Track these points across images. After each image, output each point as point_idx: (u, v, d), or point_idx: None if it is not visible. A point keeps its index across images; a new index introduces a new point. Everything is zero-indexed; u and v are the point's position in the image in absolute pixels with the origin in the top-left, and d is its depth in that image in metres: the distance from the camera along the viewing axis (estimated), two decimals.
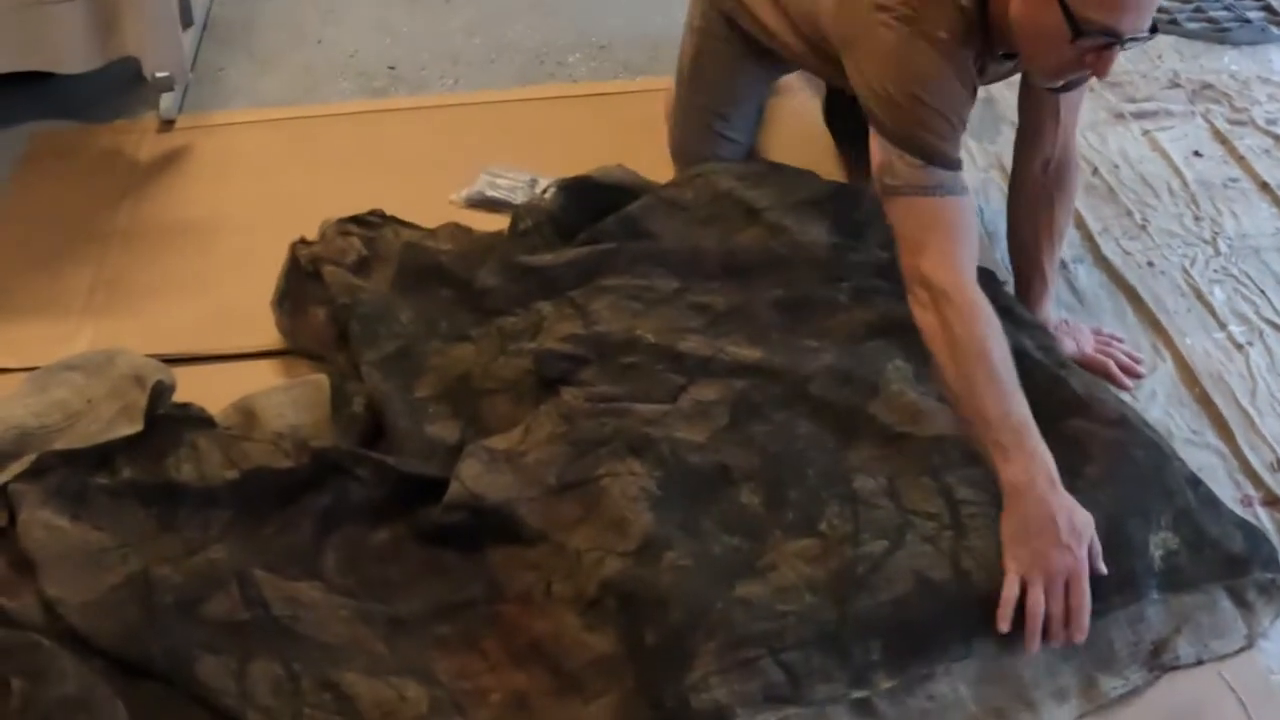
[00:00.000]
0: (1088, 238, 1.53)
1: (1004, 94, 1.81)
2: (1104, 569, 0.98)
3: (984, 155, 1.67)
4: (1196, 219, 1.57)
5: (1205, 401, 1.30)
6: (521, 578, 1.06)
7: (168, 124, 1.72)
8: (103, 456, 1.13)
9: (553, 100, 1.78)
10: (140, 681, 0.98)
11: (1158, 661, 1.01)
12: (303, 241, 1.39)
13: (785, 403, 1.11)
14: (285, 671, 0.98)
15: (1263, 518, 1.17)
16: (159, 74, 1.64)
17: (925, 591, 0.97)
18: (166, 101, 1.71)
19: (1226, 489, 1.20)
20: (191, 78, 1.82)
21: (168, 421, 1.15)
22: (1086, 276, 1.47)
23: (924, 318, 1.05)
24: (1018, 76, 1.28)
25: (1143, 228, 1.55)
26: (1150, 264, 1.50)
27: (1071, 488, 1.00)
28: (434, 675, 0.99)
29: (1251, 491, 1.20)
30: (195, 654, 0.98)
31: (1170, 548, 1.04)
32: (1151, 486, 1.07)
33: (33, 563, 1.04)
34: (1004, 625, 0.95)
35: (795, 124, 1.66)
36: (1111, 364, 1.28)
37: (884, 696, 0.95)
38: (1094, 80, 1.80)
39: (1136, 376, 1.30)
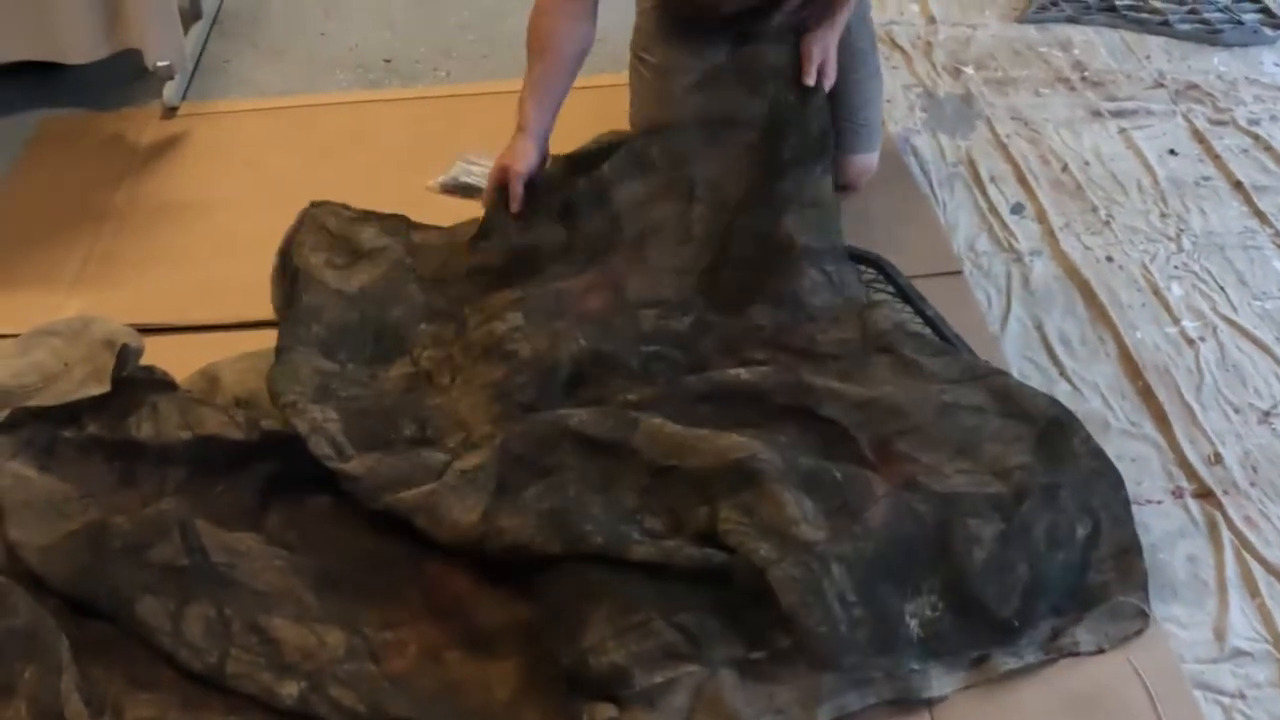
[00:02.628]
0: (1048, 232, 1.54)
1: (981, 90, 1.82)
2: None
3: (954, 150, 1.68)
4: (1163, 216, 1.57)
5: (1147, 394, 1.30)
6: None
7: (170, 111, 1.80)
8: (72, 414, 1.20)
9: None
10: (88, 621, 1.05)
11: (1054, 645, 1.02)
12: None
13: (547, 449, 1.09)
14: (217, 614, 1.04)
15: (1194, 509, 1.18)
16: (160, 64, 1.73)
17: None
18: (169, 90, 1.80)
19: (1159, 480, 1.21)
20: (197, 68, 1.91)
21: (132, 383, 1.22)
22: (1042, 269, 1.48)
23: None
24: None
25: (1106, 224, 1.56)
26: (1109, 259, 1.50)
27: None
28: (357, 625, 1.05)
29: (1184, 484, 1.20)
30: (136, 595, 1.04)
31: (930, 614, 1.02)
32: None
33: (0, 509, 1.12)
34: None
35: None
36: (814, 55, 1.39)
37: (780, 659, 0.98)
38: (1074, 79, 1.87)
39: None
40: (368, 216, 1.48)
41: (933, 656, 0.99)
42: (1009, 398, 1.16)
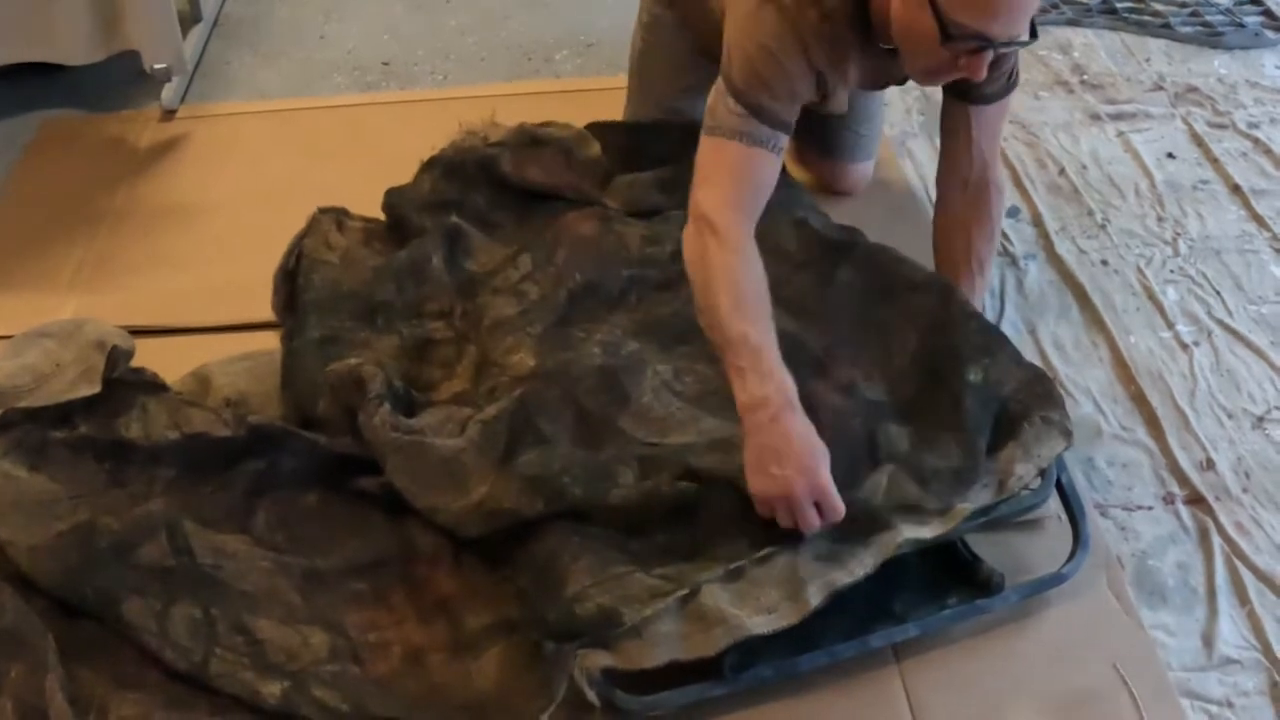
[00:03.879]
0: (1043, 235, 1.53)
1: None
2: (840, 507, 0.98)
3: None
4: (1159, 220, 1.56)
5: (1140, 399, 1.30)
6: (435, 539, 1.11)
7: (169, 114, 1.81)
8: (63, 414, 1.20)
9: (535, 95, 1.83)
10: (77, 621, 1.05)
11: (1004, 488, 1.06)
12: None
13: (557, 412, 1.13)
14: (203, 615, 1.04)
15: (1184, 516, 1.17)
16: (157, 66, 1.73)
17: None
18: (168, 92, 1.81)
19: (1150, 486, 1.20)
20: (197, 70, 1.92)
21: (122, 385, 1.22)
22: (1036, 273, 1.48)
23: (689, 246, 1.08)
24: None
25: (1102, 227, 1.55)
26: (1104, 262, 1.49)
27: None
28: (342, 626, 1.05)
29: (1175, 489, 1.20)
30: (123, 595, 1.04)
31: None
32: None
33: None
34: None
35: None
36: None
37: (759, 564, 1.00)
38: (1074, 81, 1.86)
39: None
40: (369, 227, 1.49)
41: (900, 513, 1.02)
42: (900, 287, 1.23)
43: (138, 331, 1.39)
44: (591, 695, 0.94)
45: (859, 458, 1.08)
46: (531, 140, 1.52)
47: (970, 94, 1.19)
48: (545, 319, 1.25)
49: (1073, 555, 1.06)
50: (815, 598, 0.97)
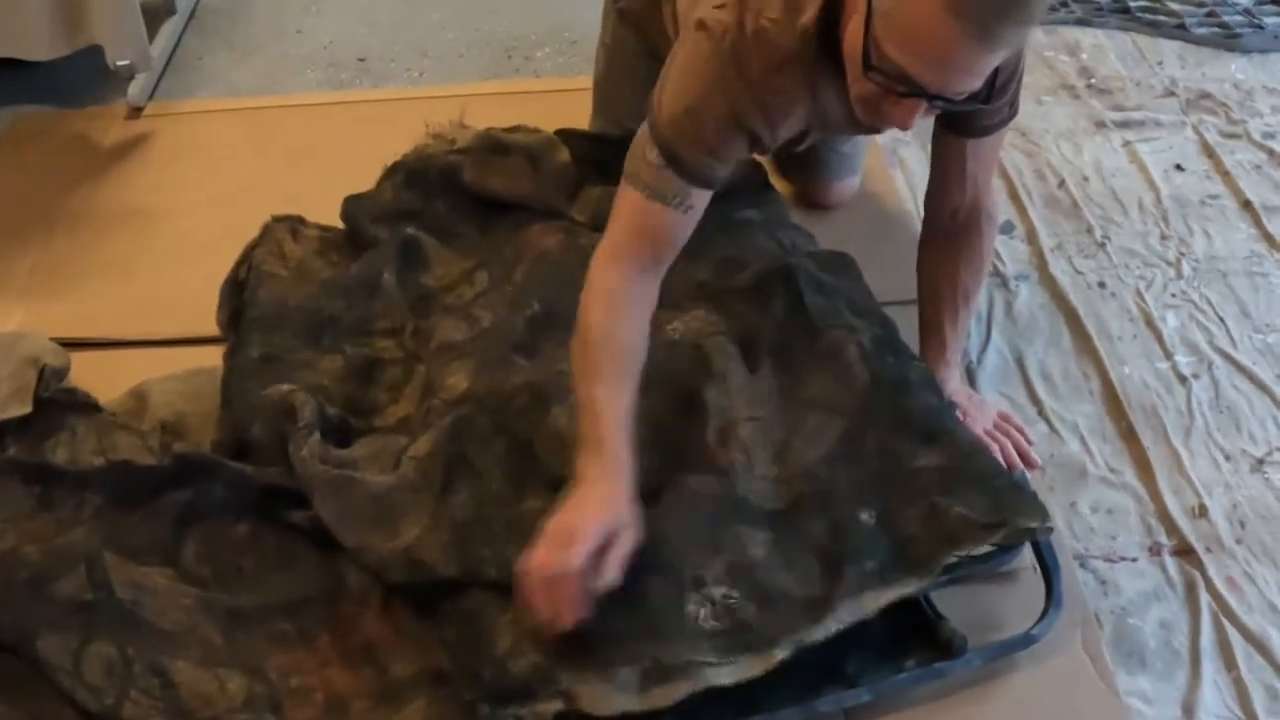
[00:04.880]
0: (1037, 254, 1.45)
1: None
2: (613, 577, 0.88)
3: None
4: (1163, 238, 1.47)
5: (1130, 437, 1.21)
6: (365, 578, 1.05)
7: (136, 111, 1.75)
8: None
9: (512, 95, 1.76)
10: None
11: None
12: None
13: (488, 441, 1.06)
14: (119, 655, 0.99)
15: (1171, 569, 1.09)
16: (120, 62, 1.67)
17: None
18: (135, 88, 1.75)
19: (1135, 535, 1.12)
20: (170, 65, 1.86)
21: (54, 405, 1.17)
22: (1028, 295, 1.39)
23: (581, 297, 1.01)
24: None
25: (1101, 246, 1.46)
26: (1101, 284, 1.40)
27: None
28: (263, 670, 0.99)
29: (1163, 539, 1.11)
30: (39, 630, 0.99)
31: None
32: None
33: None
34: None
35: None
36: (996, 450, 1.10)
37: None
38: (1080, 86, 1.76)
39: (1029, 466, 1.11)
40: (326, 236, 1.43)
41: (735, 649, 0.90)
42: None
43: (84, 344, 1.35)
44: None
45: (686, 560, 0.94)
46: (496, 147, 1.45)
47: (964, 126, 1.08)
48: (497, 349, 1.17)
49: (1044, 614, 0.98)
50: (783, 654, 0.90)
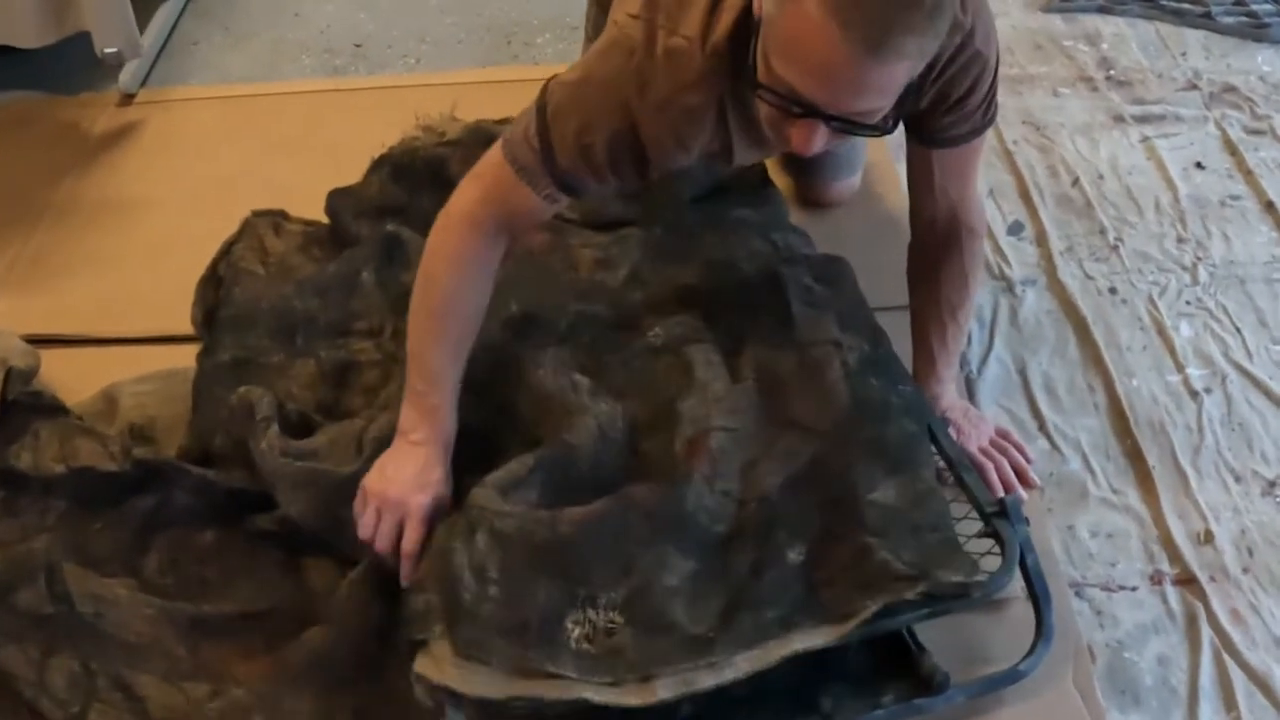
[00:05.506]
0: (1046, 257, 1.38)
1: None
2: (413, 548, 0.94)
3: None
4: (1180, 241, 1.40)
5: (1135, 455, 1.16)
6: (330, 585, 1.03)
7: (128, 98, 1.73)
8: None
9: (508, 84, 1.71)
10: None
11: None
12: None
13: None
14: (83, 669, 0.98)
15: (1172, 599, 1.03)
16: (108, 50, 1.65)
17: None
18: (127, 75, 1.72)
19: (1136, 562, 1.06)
20: (165, 49, 1.83)
21: (19, 408, 1.15)
22: (1034, 301, 1.33)
23: (432, 236, 1.00)
24: None
25: (1114, 248, 1.40)
26: (1112, 290, 1.34)
27: None
28: (227, 681, 0.98)
29: (1165, 567, 1.06)
30: (1, 641, 0.98)
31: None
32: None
33: None
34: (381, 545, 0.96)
35: None
36: (991, 470, 1.06)
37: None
38: (1099, 78, 1.68)
39: (1026, 486, 1.07)
40: (309, 231, 1.39)
41: (599, 670, 0.86)
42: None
43: (61, 341, 1.33)
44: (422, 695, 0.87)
45: (587, 576, 0.90)
46: (487, 140, 1.40)
47: (926, 136, 1.01)
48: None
49: (1033, 649, 0.94)
50: (665, 691, 0.85)
